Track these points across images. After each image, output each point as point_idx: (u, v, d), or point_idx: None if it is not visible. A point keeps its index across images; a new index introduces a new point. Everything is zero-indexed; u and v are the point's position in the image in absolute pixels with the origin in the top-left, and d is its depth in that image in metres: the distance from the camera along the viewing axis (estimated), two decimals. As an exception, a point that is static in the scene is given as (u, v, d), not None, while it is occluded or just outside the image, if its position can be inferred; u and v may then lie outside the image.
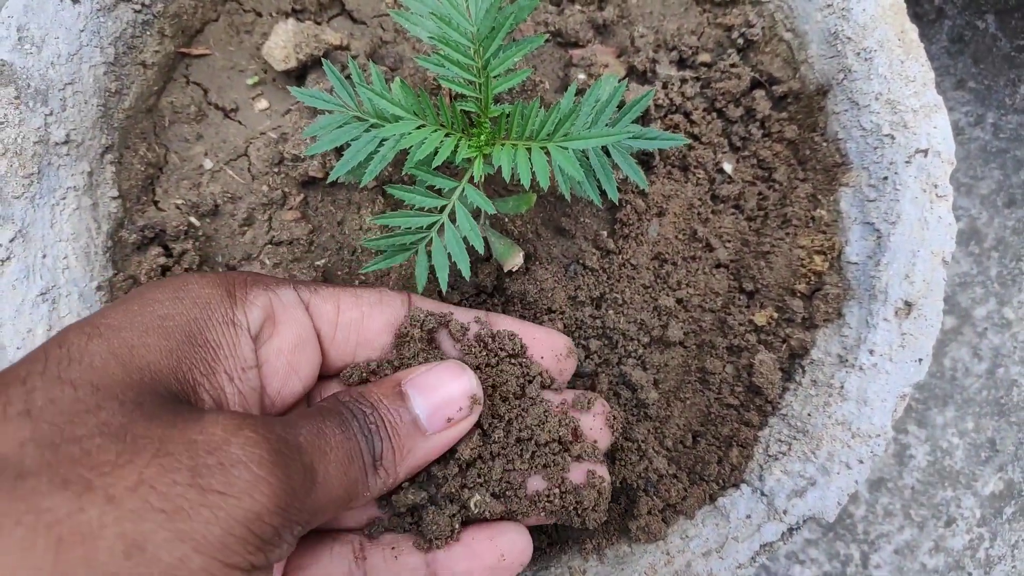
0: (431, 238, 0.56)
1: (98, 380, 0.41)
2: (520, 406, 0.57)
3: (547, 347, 0.60)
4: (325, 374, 0.57)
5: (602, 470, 0.59)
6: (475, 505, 0.55)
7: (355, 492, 0.48)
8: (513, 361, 0.58)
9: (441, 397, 0.52)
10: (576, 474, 0.58)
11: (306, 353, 0.53)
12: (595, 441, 0.59)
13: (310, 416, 0.47)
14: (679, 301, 0.69)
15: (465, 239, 0.55)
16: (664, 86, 0.70)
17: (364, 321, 0.56)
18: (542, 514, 0.57)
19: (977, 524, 0.92)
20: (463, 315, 0.59)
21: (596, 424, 0.60)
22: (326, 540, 0.55)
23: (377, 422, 0.49)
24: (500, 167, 0.55)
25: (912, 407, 0.91)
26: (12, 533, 0.33)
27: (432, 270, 0.56)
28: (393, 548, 0.55)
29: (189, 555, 0.36)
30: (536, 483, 0.57)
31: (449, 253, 0.55)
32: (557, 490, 0.56)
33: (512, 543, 0.56)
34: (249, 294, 0.50)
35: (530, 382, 0.59)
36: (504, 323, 0.60)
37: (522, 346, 0.59)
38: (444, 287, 0.56)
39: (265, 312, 0.51)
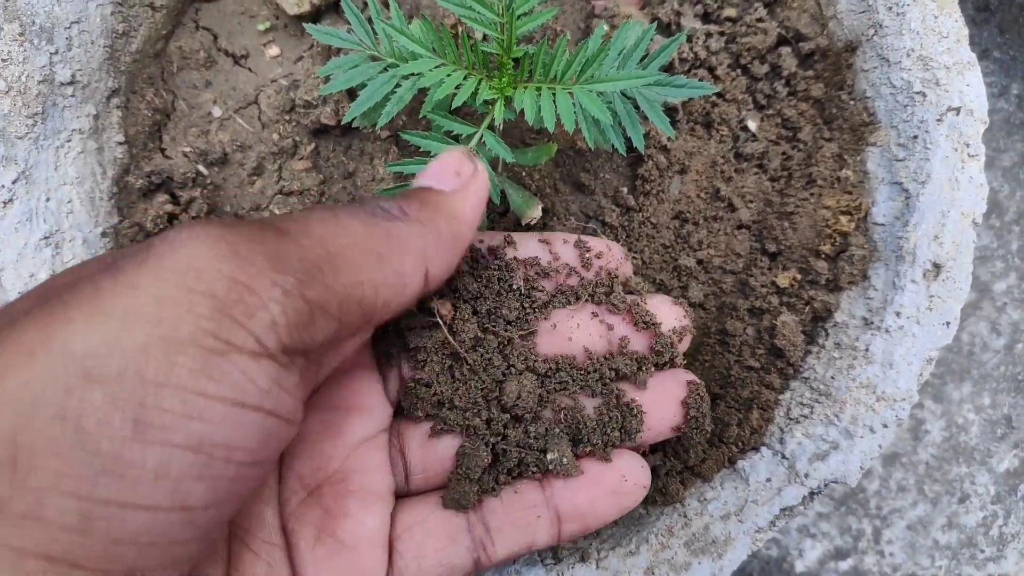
0: None
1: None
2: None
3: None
4: None
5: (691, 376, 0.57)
6: (552, 463, 0.52)
7: (380, 245, 0.40)
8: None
9: (436, 164, 0.47)
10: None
11: None
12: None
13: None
14: (700, 262, 0.67)
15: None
16: (688, 39, 0.68)
17: None
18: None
19: (991, 501, 0.91)
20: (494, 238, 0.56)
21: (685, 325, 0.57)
22: (434, 493, 0.53)
23: (378, 199, 0.44)
24: (522, 112, 0.53)
25: (929, 382, 0.89)
26: None
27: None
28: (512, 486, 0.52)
29: (112, 335, 0.31)
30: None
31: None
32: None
33: (630, 465, 0.53)
34: None
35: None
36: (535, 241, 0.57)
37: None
38: (484, 222, 0.54)
39: None
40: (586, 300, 0.56)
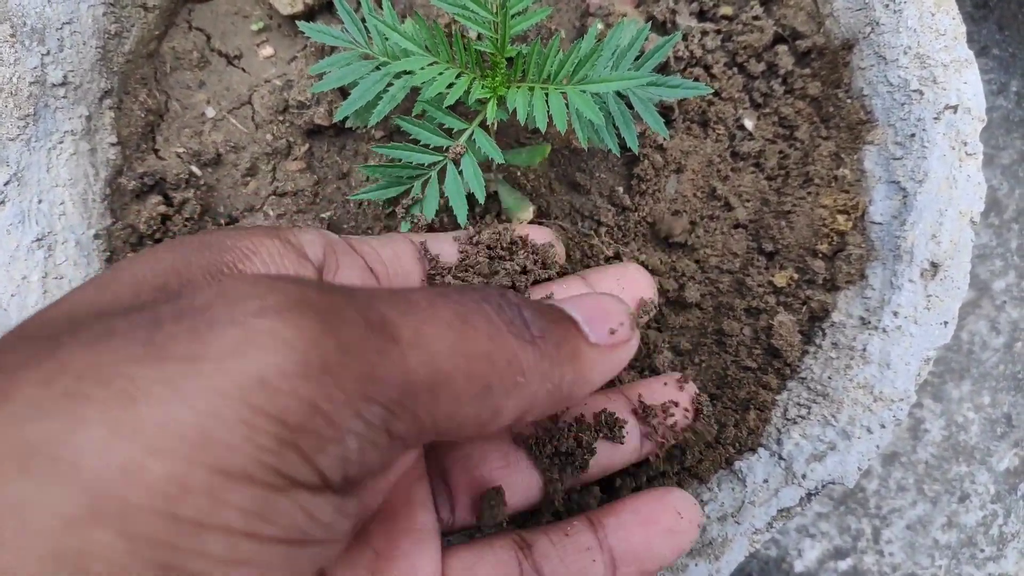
0: (443, 169, 0.54)
1: (57, 311, 0.31)
2: None
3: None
4: None
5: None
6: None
7: (495, 374, 0.32)
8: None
9: (596, 305, 0.40)
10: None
11: None
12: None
13: (396, 288, 0.34)
14: (696, 262, 0.67)
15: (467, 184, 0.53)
16: (684, 38, 0.67)
17: (399, 256, 0.50)
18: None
19: (991, 500, 0.90)
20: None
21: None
22: (480, 540, 0.48)
23: (520, 302, 0.36)
24: (515, 112, 0.52)
25: (928, 381, 0.89)
26: None
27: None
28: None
29: (137, 458, 0.23)
30: None
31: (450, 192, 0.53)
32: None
33: (684, 501, 0.49)
34: (295, 228, 0.43)
35: None
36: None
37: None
38: (463, 221, 0.54)
39: (323, 242, 0.43)
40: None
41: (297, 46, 0.67)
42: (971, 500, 0.91)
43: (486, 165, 0.59)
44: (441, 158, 0.54)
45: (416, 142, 0.54)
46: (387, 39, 0.55)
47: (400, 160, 0.54)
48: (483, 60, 0.55)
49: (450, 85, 0.52)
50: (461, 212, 0.53)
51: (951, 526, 0.90)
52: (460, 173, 0.53)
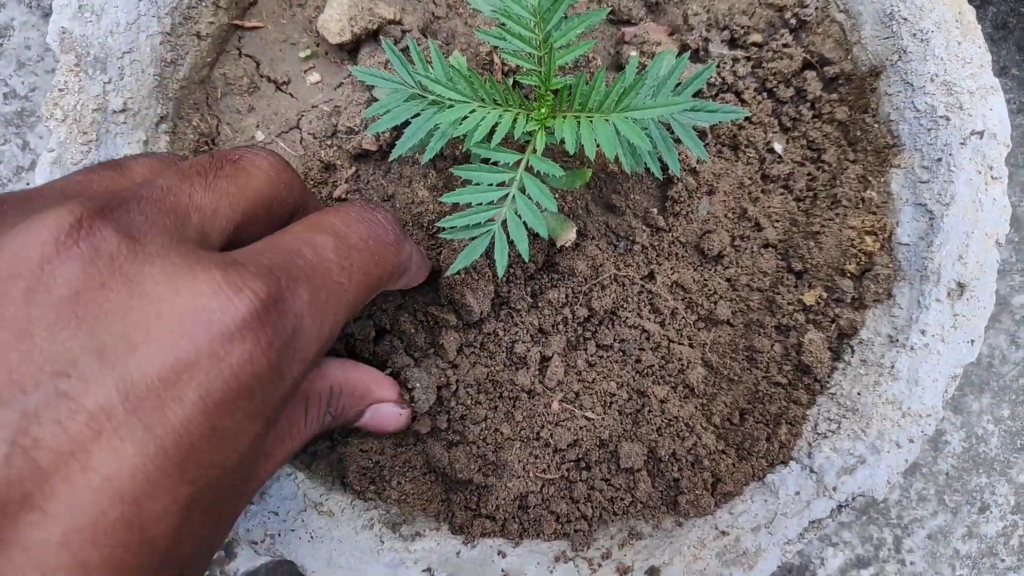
0: (504, 214, 0.56)
1: None
2: None
3: None
4: None
5: None
6: None
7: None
8: None
9: None
10: None
11: None
12: None
13: None
14: (727, 280, 0.69)
15: (539, 204, 0.55)
16: (716, 65, 0.70)
17: None
18: None
19: (1011, 511, 0.92)
20: None
21: None
22: None
23: None
24: (562, 140, 0.55)
25: (949, 393, 0.90)
26: None
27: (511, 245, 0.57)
28: None
29: None
30: None
31: (521, 227, 0.55)
32: None
33: None
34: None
35: None
36: None
37: None
38: (526, 256, 0.56)
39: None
40: None
41: (344, 73, 0.70)
42: (991, 511, 0.93)
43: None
44: (506, 191, 0.56)
45: (487, 161, 0.56)
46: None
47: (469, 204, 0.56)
48: (524, 95, 0.57)
49: (496, 124, 0.55)
50: (524, 249, 0.55)
51: (972, 536, 0.92)
52: (518, 214, 0.55)
